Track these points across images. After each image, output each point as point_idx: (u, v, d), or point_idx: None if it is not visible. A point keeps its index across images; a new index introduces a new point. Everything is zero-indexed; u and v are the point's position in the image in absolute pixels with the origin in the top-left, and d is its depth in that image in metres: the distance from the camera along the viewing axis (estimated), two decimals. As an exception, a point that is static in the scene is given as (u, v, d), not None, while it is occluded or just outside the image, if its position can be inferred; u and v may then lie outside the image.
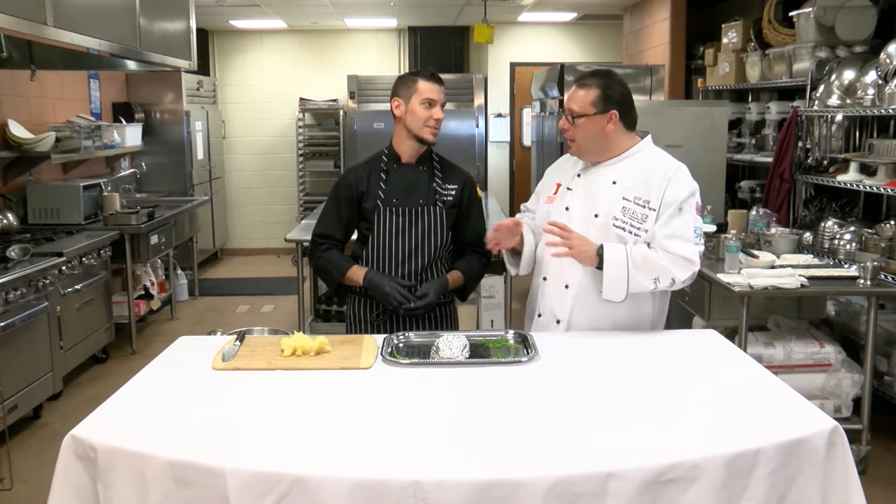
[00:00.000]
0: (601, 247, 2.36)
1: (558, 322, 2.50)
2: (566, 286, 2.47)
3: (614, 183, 2.44)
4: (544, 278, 2.54)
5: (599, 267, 2.37)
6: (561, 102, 5.50)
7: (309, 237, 2.90)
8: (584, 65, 5.85)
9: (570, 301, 2.47)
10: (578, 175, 2.52)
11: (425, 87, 2.58)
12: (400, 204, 2.65)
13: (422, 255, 2.66)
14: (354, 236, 2.81)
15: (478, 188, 2.82)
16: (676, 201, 2.39)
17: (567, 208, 2.49)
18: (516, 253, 2.62)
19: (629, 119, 2.45)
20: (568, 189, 2.53)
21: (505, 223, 2.51)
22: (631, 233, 2.40)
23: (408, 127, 2.62)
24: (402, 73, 2.77)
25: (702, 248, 2.43)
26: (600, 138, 2.43)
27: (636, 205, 2.40)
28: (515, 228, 2.53)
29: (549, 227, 2.39)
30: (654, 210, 2.39)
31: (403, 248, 2.65)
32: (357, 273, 2.64)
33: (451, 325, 2.82)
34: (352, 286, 2.70)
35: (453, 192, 2.70)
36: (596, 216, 2.43)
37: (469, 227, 2.76)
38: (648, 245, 2.42)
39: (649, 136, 2.51)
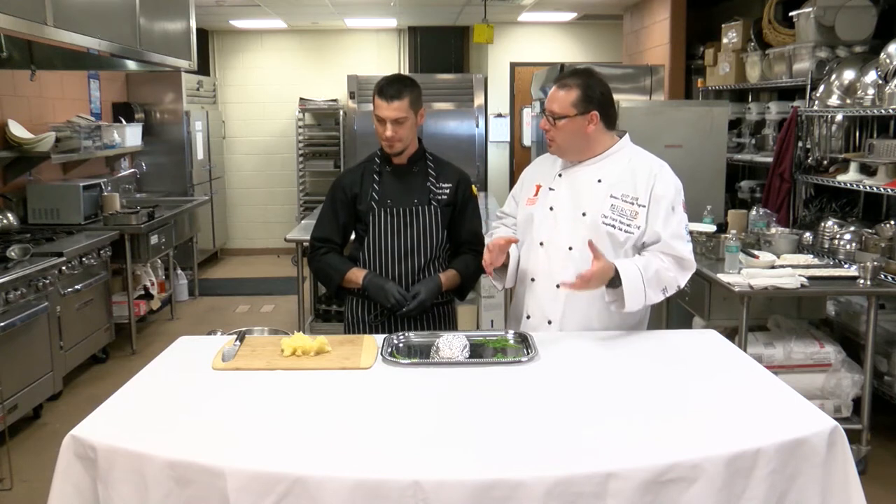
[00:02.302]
0: (616, 273, 2.31)
1: (550, 322, 2.48)
2: (557, 286, 2.44)
3: (599, 181, 2.43)
4: (532, 279, 2.51)
5: (609, 285, 2.34)
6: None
7: (309, 237, 2.90)
8: (583, 65, 5.85)
9: (561, 302, 2.45)
10: (560, 175, 2.50)
11: (376, 104, 2.57)
12: (394, 205, 2.64)
13: (418, 256, 2.65)
14: (353, 236, 2.81)
15: (473, 187, 2.80)
16: (667, 199, 2.39)
17: (551, 208, 2.47)
18: (501, 266, 2.56)
19: (609, 118, 2.44)
20: (550, 189, 2.50)
21: (497, 242, 2.44)
22: (621, 230, 2.39)
23: None
24: (400, 73, 2.72)
25: (690, 244, 2.46)
26: (581, 139, 2.41)
27: (624, 202, 2.40)
28: (506, 246, 2.46)
29: (570, 285, 2.30)
30: (644, 206, 2.39)
31: (399, 248, 2.65)
32: (357, 274, 2.65)
33: (451, 324, 2.82)
34: (351, 288, 2.71)
35: (447, 191, 2.69)
36: (584, 215, 2.42)
37: (464, 225, 2.75)
38: (644, 245, 2.43)
39: (627, 135, 2.51)
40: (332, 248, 2.72)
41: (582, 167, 2.47)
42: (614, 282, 2.32)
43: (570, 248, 2.42)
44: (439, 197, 2.68)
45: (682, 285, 2.43)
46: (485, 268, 2.47)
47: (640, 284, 2.33)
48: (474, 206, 2.79)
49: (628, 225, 2.39)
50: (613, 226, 2.39)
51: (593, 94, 2.38)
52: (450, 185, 2.70)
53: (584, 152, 2.46)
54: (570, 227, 2.42)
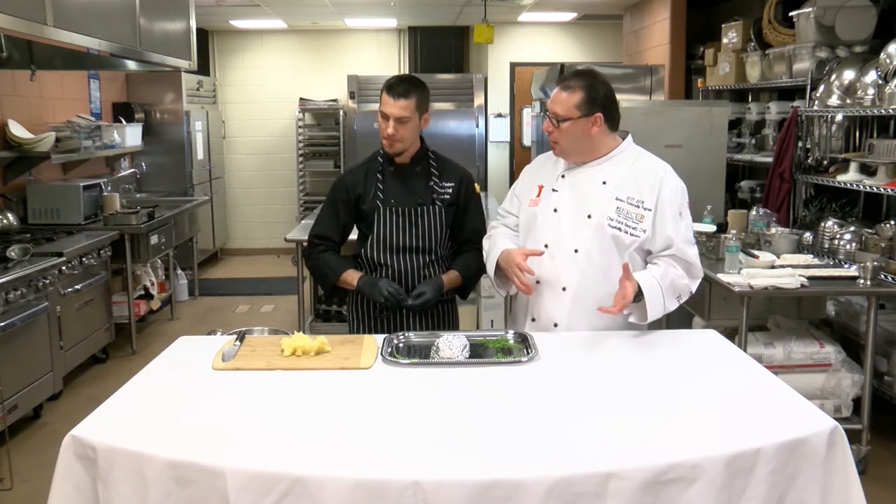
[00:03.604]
0: (639, 291, 2.31)
1: (556, 325, 2.47)
2: (563, 289, 2.44)
3: (604, 183, 2.42)
4: (537, 282, 2.49)
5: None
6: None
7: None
8: (584, 65, 5.85)
9: (567, 304, 2.44)
10: (563, 176, 2.49)
11: (383, 100, 2.57)
12: (398, 204, 2.64)
13: (420, 254, 2.66)
14: (353, 235, 2.81)
15: (476, 185, 2.81)
16: (674, 203, 2.39)
17: (555, 210, 2.46)
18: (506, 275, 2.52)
19: (613, 120, 2.42)
20: (553, 190, 2.48)
21: (519, 263, 2.39)
22: (627, 233, 2.38)
23: None
24: (411, 74, 2.71)
25: (696, 247, 2.47)
26: (585, 141, 2.40)
27: (630, 205, 2.39)
28: (524, 263, 2.41)
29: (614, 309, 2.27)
30: (650, 210, 2.38)
31: (403, 247, 2.65)
32: (352, 276, 2.65)
33: (452, 324, 2.82)
34: (345, 288, 2.72)
35: (450, 191, 2.70)
36: (589, 217, 2.40)
37: (467, 224, 2.76)
38: (650, 252, 2.43)
39: (630, 137, 2.51)
40: (329, 247, 2.73)
41: (585, 168, 2.46)
42: (636, 296, 2.32)
43: (576, 251, 2.41)
44: (443, 196, 2.68)
45: (693, 291, 2.45)
46: (524, 292, 2.44)
47: (660, 295, 2.34)
48: (476, 205, 2.80)
49: (634, 228, 2.38)
50: (619, 228, 2.38)
51: (597, 96, 2.36)
52: (452, 184, 2.70)
53: (588, 154, 2.44)
54: (575, 230, 2.41)
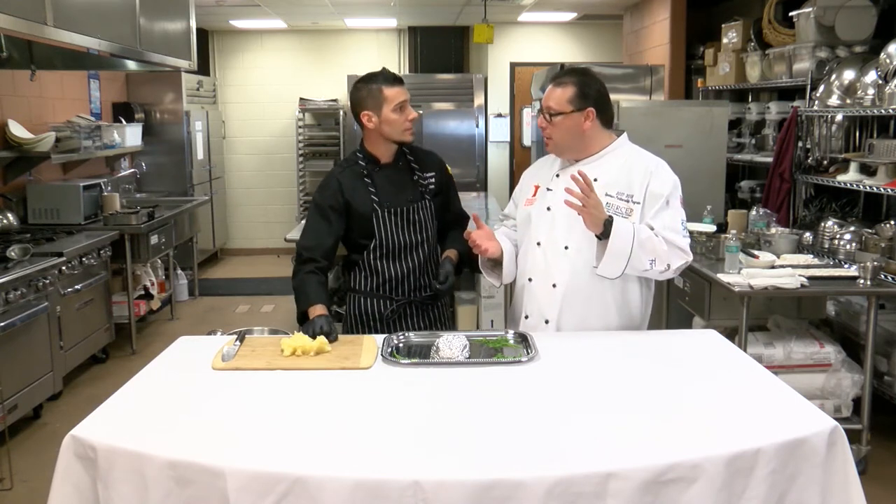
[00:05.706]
0: (610, 217, 2.30)
1: (547, 322, 2.48)
2: (553, 285, 2.46)
3: (595, 180, 2.42)
4: (529, 279, 2.52)
5: (599, 237, 2.31)
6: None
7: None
8: (584, 65, 5.85)
9: (558, 300, 2.46)
10: (557, 175, 2.51)
11: (393, 94, 2.54)
12: (392, 205, 2.63)
13: (421, 250, 2.67)
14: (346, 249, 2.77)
15: (448, 166, 2.82)
16: (662, 194, 2.39)
17: (548, 208, 2.48)
18: (496, 264, 2.59)
19: (606, 116, 2.45)
20: (548, 189, 2.51)
21: (475, 233, 2.49)
22: None
23: (385, 135, 2.58)
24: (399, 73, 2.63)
25: (689, 240, 2.44)
26: (578, 136, 2.42)
27: (619, 200, 2.40)
28: (490, 233, 2.51)
29: (574, 180, 2.26)
30: (639, 203, 2.39)
31: (404, 246, 2.65)
32: (313, 312, 2.50)
33: (451, 324, 2.83)
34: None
35: (433, 181, 2.72)
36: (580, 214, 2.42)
37: (450, 207, 2.81)
38: None
39: (625, 135, 2.52)
40: (318, 267, 2.62)
41: (579, 167, 2.47)
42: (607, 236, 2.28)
43: (567, 248, 2.43)
44: (429, 188, 2.70)
45: (673, 268, 2.38)
46: (479, 253, 2.51)
47: (630, 238, 2.28)
48: (454, 185, 2.83)
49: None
50: None
51: (589, 91, 2.40)
52: (433, 173, 2.73)
53: (581, 150, 2.46)
54: (567, 227, 2.43)
